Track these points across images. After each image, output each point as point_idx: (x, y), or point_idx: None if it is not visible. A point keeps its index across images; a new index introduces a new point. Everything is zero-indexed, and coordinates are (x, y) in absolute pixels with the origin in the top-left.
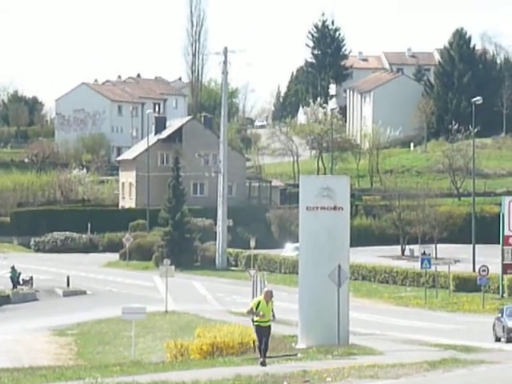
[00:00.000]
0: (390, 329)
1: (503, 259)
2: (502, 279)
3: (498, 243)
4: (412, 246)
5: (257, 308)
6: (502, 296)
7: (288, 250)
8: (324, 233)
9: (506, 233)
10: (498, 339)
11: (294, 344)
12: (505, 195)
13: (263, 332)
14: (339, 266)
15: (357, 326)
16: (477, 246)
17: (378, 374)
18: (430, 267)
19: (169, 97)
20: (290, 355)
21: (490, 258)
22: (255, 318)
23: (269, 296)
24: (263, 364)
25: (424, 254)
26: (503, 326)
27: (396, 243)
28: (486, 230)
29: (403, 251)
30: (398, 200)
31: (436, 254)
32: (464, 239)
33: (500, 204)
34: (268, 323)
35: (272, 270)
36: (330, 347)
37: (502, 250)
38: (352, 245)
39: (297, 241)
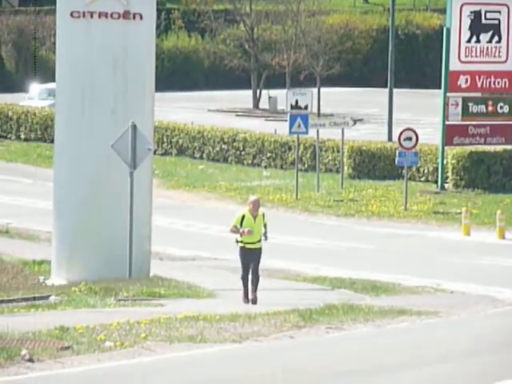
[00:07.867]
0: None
1: (446, 117)
2: (443, 155)
3: (436, 87)
4: (274, 92)
5: (241, 225)
6: (443, 188)
7: (34, 97)
8: (106, 64)
9: (453, 66)
10: None
11: (43, 278)
12: None
13: (249, 257)
14: (134, 128)
15: (169, 244)
16: (397, 90)
17: (204, 333)
18: (306, 132)
19: None
20: (35, 298)
21: (418, 113)
22: (239, 238)
23: (256, 206)
24: (254, 301)
25: (296, 106)
26: None
27: (245, 86)
28: (414, 60)
29: (258, 101)
30: (249, 2)
31: (319, 107)
32: (372, 79)
33: (444, 11)
34: (257, 244)
35: (4, 136)
36: (112, 282)
37: (445, 99)
38: (158, 89)
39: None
